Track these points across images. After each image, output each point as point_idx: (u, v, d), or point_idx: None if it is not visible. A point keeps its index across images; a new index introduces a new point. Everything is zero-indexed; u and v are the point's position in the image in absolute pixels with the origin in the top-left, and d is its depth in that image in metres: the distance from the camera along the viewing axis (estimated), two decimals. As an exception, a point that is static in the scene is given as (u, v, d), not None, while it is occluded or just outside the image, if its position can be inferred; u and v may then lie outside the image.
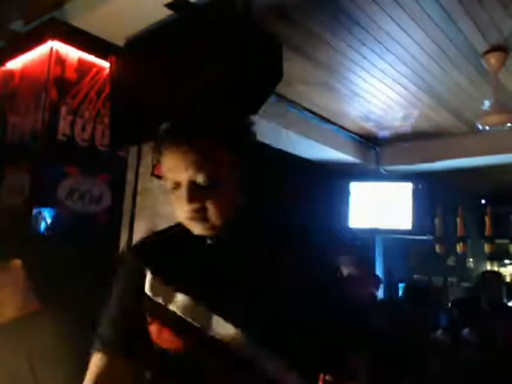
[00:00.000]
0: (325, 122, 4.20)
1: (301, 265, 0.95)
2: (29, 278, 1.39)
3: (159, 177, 2.61)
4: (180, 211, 0.95)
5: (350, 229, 4.63)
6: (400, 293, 4.55)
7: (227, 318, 0.91)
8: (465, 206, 5.78)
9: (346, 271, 2.55)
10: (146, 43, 2.46)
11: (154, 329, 0.98)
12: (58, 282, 1.98)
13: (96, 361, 0.99)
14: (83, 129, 2.61)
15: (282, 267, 0.94)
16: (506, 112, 3.04)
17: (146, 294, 1.00)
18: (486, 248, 6.16)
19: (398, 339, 2.16)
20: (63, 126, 2.54)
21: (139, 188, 2.65)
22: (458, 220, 5.62)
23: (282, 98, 3.62)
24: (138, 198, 2.64)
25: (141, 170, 2.64)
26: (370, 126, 4.40)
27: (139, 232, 2.55)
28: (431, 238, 5.09)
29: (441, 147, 4.57)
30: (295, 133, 3.91)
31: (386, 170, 4.95)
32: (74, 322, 1.35)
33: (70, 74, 2.59)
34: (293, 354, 0.90)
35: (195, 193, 0.91)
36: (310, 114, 4.00)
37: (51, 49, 2.55)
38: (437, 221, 5.42)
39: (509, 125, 3.02)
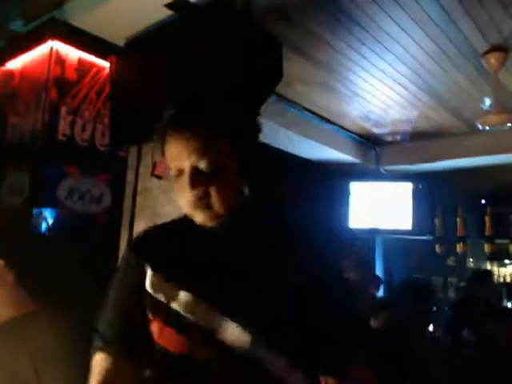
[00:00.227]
0: (325, 122, 4.20)
1: (302, 263, 0.95)
2: (28, 278, 1.39)
3: (159, 177, 2.61)
4: (183, 199, 0.95)
5: (350, 229, 4.63)
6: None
7: (230, 316, 0.91)
8: (465, 206, 5.78)
9: (347, 274, 2.55)
10: (146, 43, 2.46)
11: (155, 327, 0.97)
12: (57, 281, 1.98)
13: (99, 361, 0.98)
14: (83, 129, 2.61)
15: (284, 265, 0.94)
16: (506, 112, 3.04)
17: (146, 291, 0.99)
18: (486, 248, 6.16)
19: (396, 338, 2.16)
20: (63, 126, 2.54)
21: (139, 188, 2.65)
22: (458, 220, 5.62)
23: (281, 97, 3.62)
24: (138, 198, 2.64)
25: (141, 169, 2.64)
26: (369, 126, 4.39)
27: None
28: (431, 238, 5.09)
29: (441, 147, 4.57)
30: (295, 133, 3.91)
31: (385, 170, 4.95)
32: (73, 321, 1.35)
33: (70, 74, 2.59)
34: (296, 353, 0.90)
35: (198, 178, 0.92)
36: (309, 114, 4.00)
37: (51, 49, 2.55)
38: (437, 221, 5.42)
39: (509, 125, 3.02)
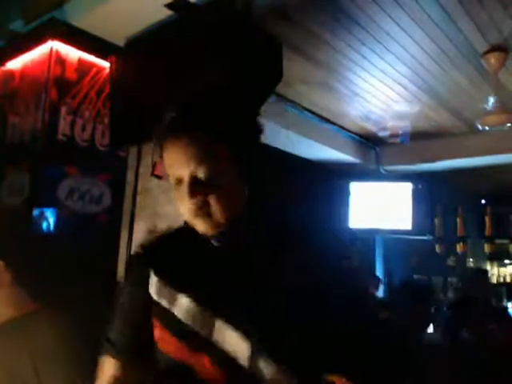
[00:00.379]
0: (325, 122, 4.20)
1: (304, 267, 0.94)
2: (28, 278, 1.39)
3: (159, 177, 2.61)
4: (183, 208, 0.95)
5: (350, 229, 4.63)
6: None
7: (231, 324, 0.90)
8: (465, 206, 5.79)
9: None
10: (146, 43, 2.46)
11: (157, 332, 0.97)
12: (57, 281, 1.98)
13: (109, 368, 0.98)
14: (83, 129, 2.61)
15: (286, 270, 0.93)
16: (506, 112, 3.04)
17: (151, 296, 0.99)
18: (486, 248, 6.16)
19: (396, 338, 2.16)
20: (63, 125, 2.54)
21: (139, 188, 2.65)
22: (458, 220, 5.63)
23: (281, 97, 3.62)
24: (138, 198, 2.64)
25: (141, 170, 2.64)
26: (369, 126, 4.40)
27: (139, 232, 2.55)
28: (431, 238, 5.09)
29: (441, 147, 4.57)
30: (295, 133, 3.91)
31: (385, 170, 4.95)
32: (73, 321, 1.35)
33: (70, 74, 2.59)
34: (299, 361, 0.89)
35: (197, 188, 0.91)
36: (309, 114, 4.00)
37: (51, 49, 2.55)
38: (437, 221, 5.43)
39: (509, 125, 3.02)
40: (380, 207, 4.66)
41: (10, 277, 1.34)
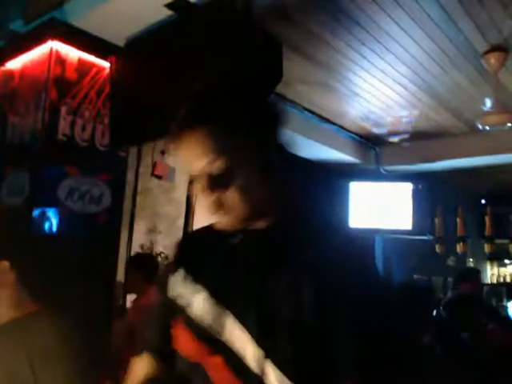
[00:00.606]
0: (325, 122, 4.20)
1: (327, 268, 0.88)
2: (28, 278, 1.39)
3: (159, 177, 2.61)
4: (205, 204, 0.92)
5: (350, 229, 4.63)
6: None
7: (245, 327, 0.88)
8: (465, 206, 5.78)
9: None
10: (146, 43, 2.46)
11: (174, 331, 0.97)
12: (58, 281, 1.98)
13: (141, 364, 1.00)
14: (83, 129, 2.61)
15: (309, 272, 0.88)
16: (506, 112, 3.04)
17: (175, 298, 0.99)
18: (486, 248, 6.16)
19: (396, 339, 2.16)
20: (63, 125, 2.54)
21: (139, 188, 2.65)
22: (458, 220, 5.62)
23: (281, 97, 3.61)
24: (138, 198, 2.65)
25: (141, 170, 2.64)
26: (369, 126, 4.39)
27: (139, 232, 2.56)
28: (431, 238, 5.09)
29: (441, 147, 4.57)
30: (295, 133, 3.91)
31: (385, 170, 4.95)
32: (73, 322, 1.35)
33: (70, 74, 2.59)
34: (308, 367, 0.85)
35: (214, 183, 0.89)
36: (309, 114, 4.00)
37: (51, 49, 2.55)
38: (437, 221, 5.42)
39: (509, 125, 3.02)
40: (380, 207, 4.66)
41: (13, 277, 1.34)
